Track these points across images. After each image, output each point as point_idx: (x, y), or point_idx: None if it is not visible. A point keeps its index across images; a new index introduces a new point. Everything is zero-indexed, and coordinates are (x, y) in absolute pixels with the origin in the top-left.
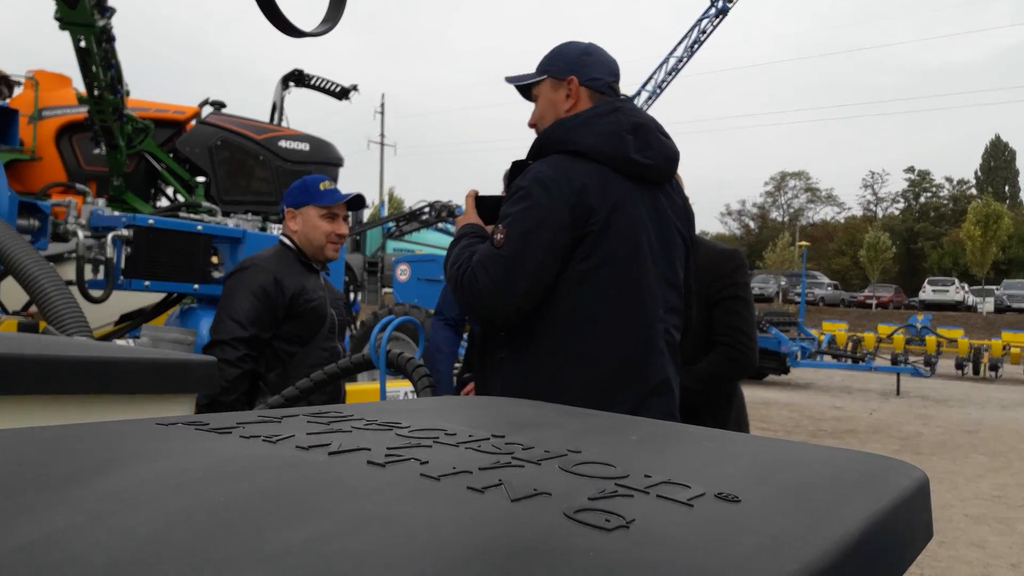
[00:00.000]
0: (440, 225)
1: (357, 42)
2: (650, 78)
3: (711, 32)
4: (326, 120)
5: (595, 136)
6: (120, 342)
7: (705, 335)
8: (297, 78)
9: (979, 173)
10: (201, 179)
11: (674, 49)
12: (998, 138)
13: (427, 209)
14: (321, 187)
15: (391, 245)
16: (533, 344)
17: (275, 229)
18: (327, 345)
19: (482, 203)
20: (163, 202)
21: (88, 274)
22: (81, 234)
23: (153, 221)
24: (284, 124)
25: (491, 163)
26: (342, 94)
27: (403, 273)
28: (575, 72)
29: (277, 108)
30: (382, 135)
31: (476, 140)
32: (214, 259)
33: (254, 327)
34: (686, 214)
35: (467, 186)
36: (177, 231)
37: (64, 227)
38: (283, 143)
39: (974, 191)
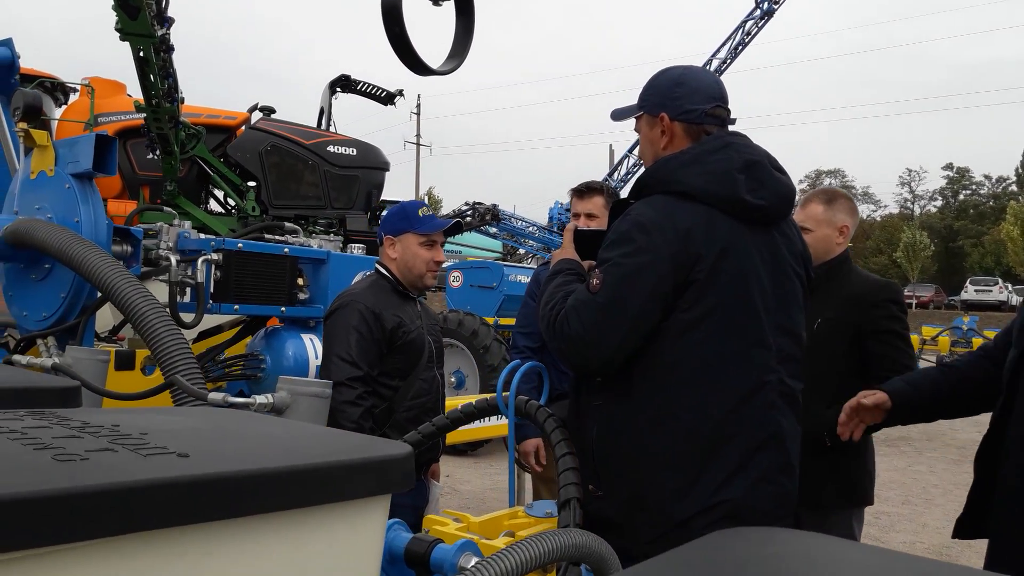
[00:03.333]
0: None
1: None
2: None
3: (756, 34)
4: (363, 122)
5: (703, 176)
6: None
7: (853, 368)
8: (344, 83)
9: (1020, 170)
10: (252, 184)
11: (717, 51)
12: None
13: (469, 212)
14: (420, 213)
15: None
16: (632, 393)
17: (356, 250)
18: (426, 375)
19: (581, 237)
20: (213, 205)
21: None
22: (174, 260)
23: (242, 244)
24: (332, 129)
25: (526, 163)
26: (387, 99)
27: (456, 280)
28: (665, 108)
29: (325, 113)
30: (418, 135)
31: (512, 140)
32: (299, 281)
33: (365, 364)
34: (803, 253)
35: (504, 186)
36: (265, 254)
37: (155, 252)
38: (331, 148)
39: (1015, 188)
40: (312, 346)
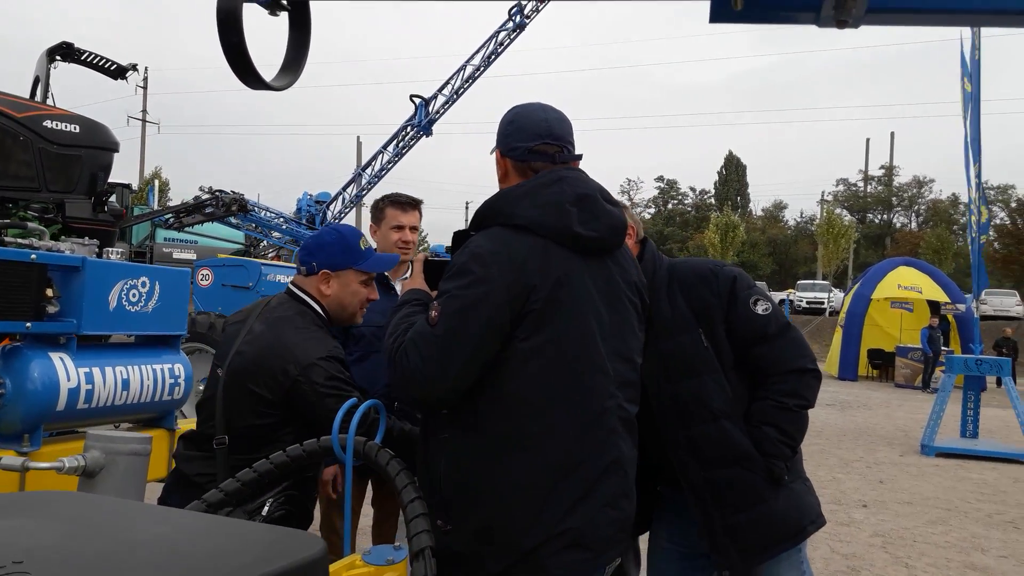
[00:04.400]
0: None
1: (117, 9)
2: (447, 83)
3: (508, 44)
4: (75, 94)
5: (536, 208)
6: None
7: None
8: (65, 52)
9: (717, 184)
10: None
11: (471, 57)
12: (731, 154)
13: (211, 201)
14: (362, 246)
15: (162, 234)
16: (478, 425)
17: (114, 255)
18: None
19: (430, 267)
20: None
21: None
22: None
23: None
24: (50, 102)
25: (270, 149)
26: (119, 73)
27: (205, 278)
28: (498, 144)
29: (41, 83)
30: (144, 111)
31: (255, 124)
32: (48, 292)
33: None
34: (638, 281)
35: (245, 172)
36: (7, 261)
37: None
38: (48, 123)
39: (713, 200)
40: (63, 367)
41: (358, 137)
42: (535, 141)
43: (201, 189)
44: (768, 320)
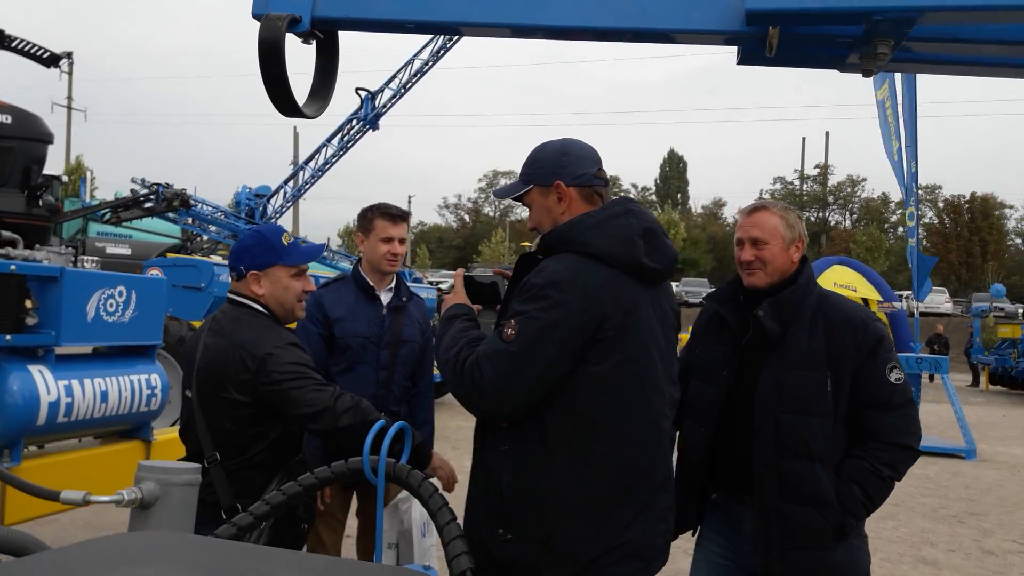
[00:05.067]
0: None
1: None
2: (393, 77)
3: (458, 40)
4: None
5: (609, 240)
6: None
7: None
8: None
9: (658, 181)
10: None
11: (419, 52)
12: (672, 151)
13: (151, 195)
14: (284, 242)
15: (95, 228)
16: (545, 441)
17: (88, 264)
18: None
19: (470, 283)
20: None
21: None
22: None
23: None
24: None
25: (205, 139)
26: (52, 60)
27: (136, 275)
28: (558, 176)
29: None
30: (69, 98)
31: (188, 113)
32: (28, 303)
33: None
34: (676, 307)
35: (177, 162)
36: None
37: None
38: None
39: (654, 197)
40: (43, 380)
41: (295, 128)
42: (595, 167)
43: (134, 181)
44: (895, 390)
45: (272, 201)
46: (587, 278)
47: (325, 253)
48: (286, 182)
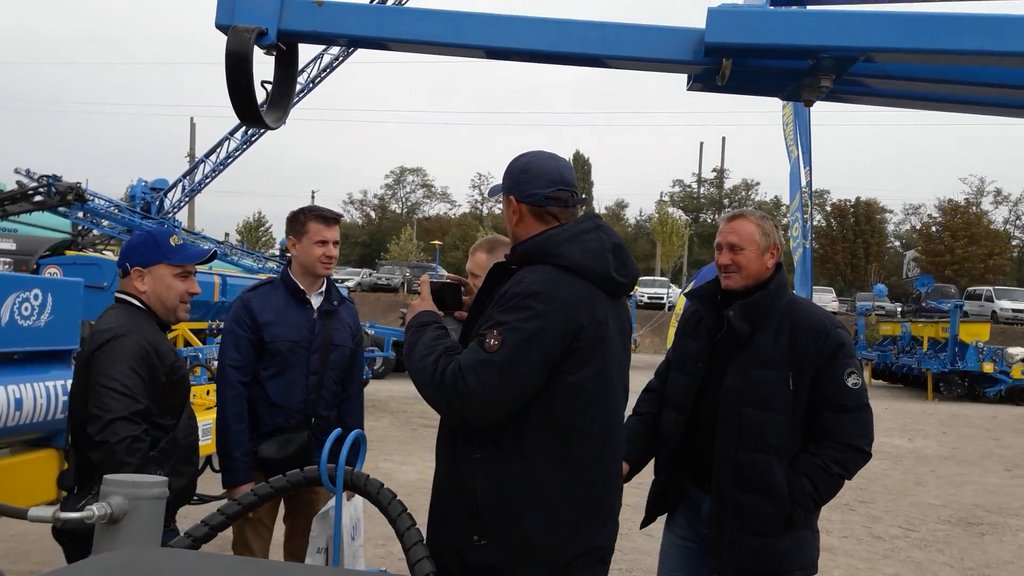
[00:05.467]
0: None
1: None
2: (302, 71)
3: None
4: None
5: (582, 253)
6: None
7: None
8: None
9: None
10: None
11: (325, 50)
12: (578, 152)
13: (42, 189)
14: (172, 243)
15: None
16: (523, 448)
17: (2, 266)
18: (191, 413)
19: (438, 289)
20: None
21: None
22: None
23: None
24: None
25: (94, 129)
26: None
27: (52, 277)
28: (512, 191)
29: None
30: None
31: (70, 101)
32: None
33: (144, 399)
34: (630, 320)
35: (57, 150)
36: None
37: None
38: None
39: None
40: None
41: (192, 118)
42: (551, 188)
43: (18, 172)
44: (852, 394)
45: (170, 195)
46: (565, 290)
47: (227, 251)
48: (185, 176)
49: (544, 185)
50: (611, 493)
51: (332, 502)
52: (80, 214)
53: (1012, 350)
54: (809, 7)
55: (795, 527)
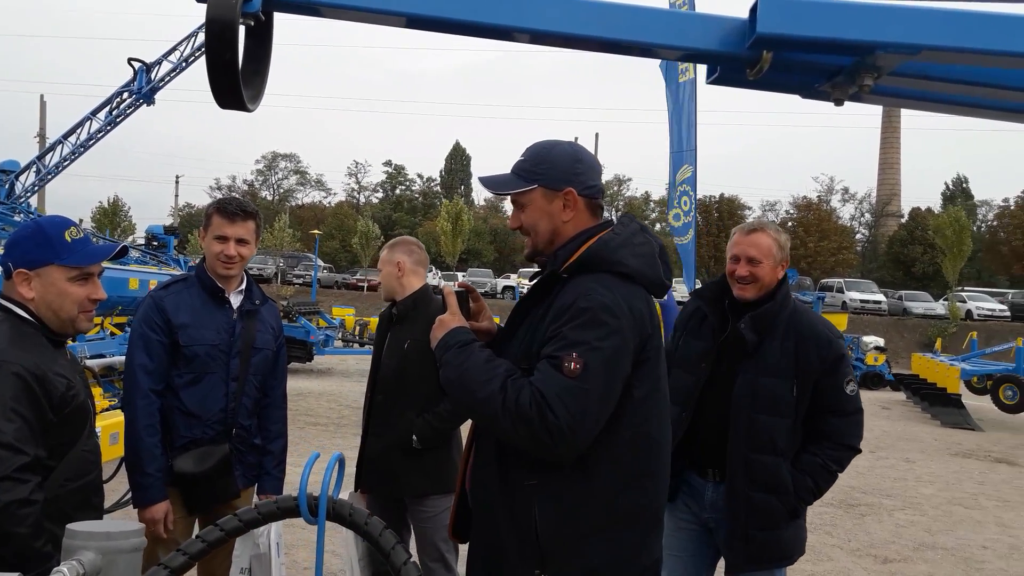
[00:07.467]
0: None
1: None
2: (174, 49)
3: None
4: None
5: (637, 258)
6: None
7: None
8: None
9: (444, 173)
10: None
11: (201, 27)
12: (458, 144)
13: None
14: (68, 238)
15: None
16: (585, 470)
17: None
18: (89, 444)
19: (464, 299)
20: None
21: None
22: None
23: None
24: None
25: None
26: None
27: None
28: (571, 183)
29: None
30: None
31: None
32: None
33: (32, 446)
34: None
35: None
36: None
37: None
38: None
39: (439, 188)
40: None
41: (42, 96)
42: (600, 180)
43: None
44: (850, 400)
45: (21, 179)
46: (630, 300)
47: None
48: (39, 157)
49: (598, 176)
50: (664, 499)
51: None
52: None
53: (867, 338)
54: None
55: (798, 518)
